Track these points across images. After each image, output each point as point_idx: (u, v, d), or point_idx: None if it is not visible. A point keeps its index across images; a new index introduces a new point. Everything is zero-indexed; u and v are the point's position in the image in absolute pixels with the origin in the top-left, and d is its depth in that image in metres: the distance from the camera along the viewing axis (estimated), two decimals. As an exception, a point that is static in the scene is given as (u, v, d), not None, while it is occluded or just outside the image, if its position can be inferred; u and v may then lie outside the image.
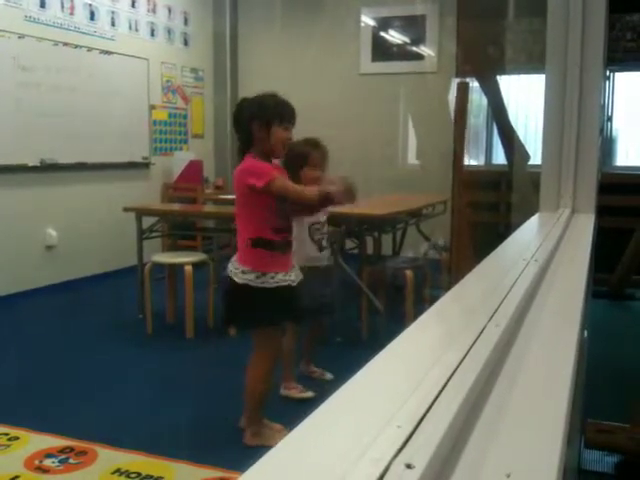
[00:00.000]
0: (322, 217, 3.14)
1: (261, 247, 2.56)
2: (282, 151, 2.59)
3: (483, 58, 3.90)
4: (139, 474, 2.42)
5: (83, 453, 2.58)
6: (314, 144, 3.08)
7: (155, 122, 6.50)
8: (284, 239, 2.63)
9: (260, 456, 0.39)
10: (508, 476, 0.44)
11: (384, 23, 6.78)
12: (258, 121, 2.51)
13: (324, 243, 3.15)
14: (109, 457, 2.55)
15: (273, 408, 2.89)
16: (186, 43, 6.92)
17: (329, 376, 3.37)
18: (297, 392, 3.17)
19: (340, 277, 4.13)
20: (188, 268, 4.05)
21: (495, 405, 0.57)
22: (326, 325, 3.53)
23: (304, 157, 3.00)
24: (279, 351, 2.79)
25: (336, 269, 4.01)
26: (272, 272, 2.57)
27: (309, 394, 3.12)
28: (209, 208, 5.46)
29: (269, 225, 2.56)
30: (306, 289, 2.89)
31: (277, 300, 2.59)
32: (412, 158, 6.87)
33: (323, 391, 0.51)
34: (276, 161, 2.67)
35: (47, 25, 5.24)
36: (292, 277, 2.64)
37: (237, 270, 2.57)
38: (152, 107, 6.43)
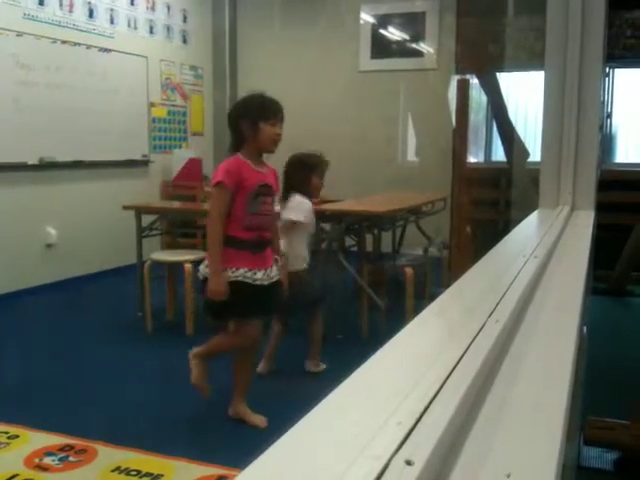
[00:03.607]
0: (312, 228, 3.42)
1: (229, 246, 2.63)
2: (272, 146, 2.68)
3: (482, 55, 3.90)
4: (139, 472, 2.42)
5: (83, 451, 2.58)
6: (320, 156, 3.42)
7: (154, 120, 6.49)
8: (256, 237, 2.68)
9: (260, 453, 0.39)
10: (508, 476, 0.44)
11: (383, 20, 6.77)
12: (246, 120, 2.62)
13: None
14: (109, 455, 2.55)
15: (264, 402, 2.90)
16: (185, 41, 6.91)
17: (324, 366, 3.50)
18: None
19: (338, 275, 4.14)
20: (188, 266, 4.05)
21: (495, 402, 0.57)
22: (322, 322, 3.58)
23: (314, 165, 3.37)
24: (250, 343, 2.84)
25: (335, 266, 4.03)
26: (233, 267, 2.63)
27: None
28: (208, 206, 5.44)
29: (241, 223, 2.63)
30: (305, 289, 3.22)
31: (236, 294, 2.63)
32: (412, 155, 6.87)
33: (321, 387, 0.51)
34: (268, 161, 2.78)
35: (46, 23, 5.23)
36: (258, 276, 2.67)
37: (206, 267, 2.68)
38: (151, 105, 6.42)
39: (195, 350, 2.85)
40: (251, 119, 2.62)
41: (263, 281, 2.68)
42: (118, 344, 3.99)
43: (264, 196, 2.68)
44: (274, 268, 2.76)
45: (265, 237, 2.72)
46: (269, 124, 2.62)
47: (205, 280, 2.67)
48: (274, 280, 2.74)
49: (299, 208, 3.27)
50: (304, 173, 3.34)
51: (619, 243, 5.08)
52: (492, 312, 0.74)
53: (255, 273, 2.66)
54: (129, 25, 6.12)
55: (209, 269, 2.64)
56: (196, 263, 4.15)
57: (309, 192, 3.35)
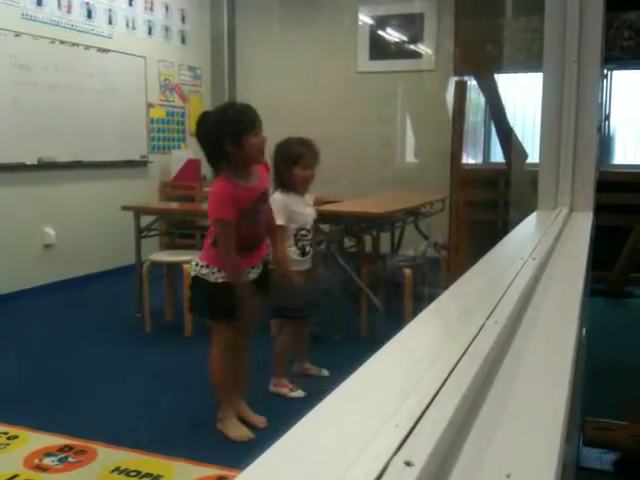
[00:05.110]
0: (309, 225, 3.16)
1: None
2: (261, 156, 2.60)
3: (481, 56, 3.91)
4: (138, 472, 2.42)
5: (82, 452, 2.58)
6: (307, 144, 3.09)
7: (153, 120, 6.49)
8: (254, 240, 2.70)
9: (259, 454, 0.40)
10: (508, 476, 0.44)
11: (382, 21, 6.77)
12: (227, 139, 2.47)
13: (307, 249, 3.16)
14: (108, 456, 2.55)
15: (264, 403, 2.90)
16: (184, 41, 6.91)
17: (325, 372, 3.38)
18: (287, 390, 3.17)
19: (336, 276, 4.14)
20: (186, 266, 4.04)
21: (494, 403, 0.57)
22: (311, 324, 3.52)
23: (296, 157, 3.04)
24: (230, 343, 2.78)
25: (333, 269, 4.02)
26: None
27: (299, 393, 3.15)
28: (207, 206, 5.45)
29: (240, 235, 2.58)
30: (288, 291, 2.98)
31: (226, 295, 2.60)
32: (410, 156, 6.87)
33: (321, 389, 0.51)
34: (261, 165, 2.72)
35: (44, 23, 5.23)
36: (250, 275, 2.69)
37: (196, 266, 2.68)
38: (150, 105, 6.42)
39: (219, 414, 2.81)
40: (232, 136, 2.45)
41: (253, 277, 2.71)
42: (117, 344, 3.99)
43: (262, 204, 2.69)
44: (260, 264, 2.76)
45: (260, 235, 2.74)
46: (252, 135, 2.48)
47: (196, 278, 2.68)
48: (260, 274, 2.75)
49: (277, 210, 3.01)
50: (285, 165, 3.03)
51: (617, 244, 5.09)
52: (491, 313, 0.74)
53: (249, 272, 2.69)
54: (127, 25, 6.12)
55: (231, 271, 2.61)
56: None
57: (294, 186, 3.06)
